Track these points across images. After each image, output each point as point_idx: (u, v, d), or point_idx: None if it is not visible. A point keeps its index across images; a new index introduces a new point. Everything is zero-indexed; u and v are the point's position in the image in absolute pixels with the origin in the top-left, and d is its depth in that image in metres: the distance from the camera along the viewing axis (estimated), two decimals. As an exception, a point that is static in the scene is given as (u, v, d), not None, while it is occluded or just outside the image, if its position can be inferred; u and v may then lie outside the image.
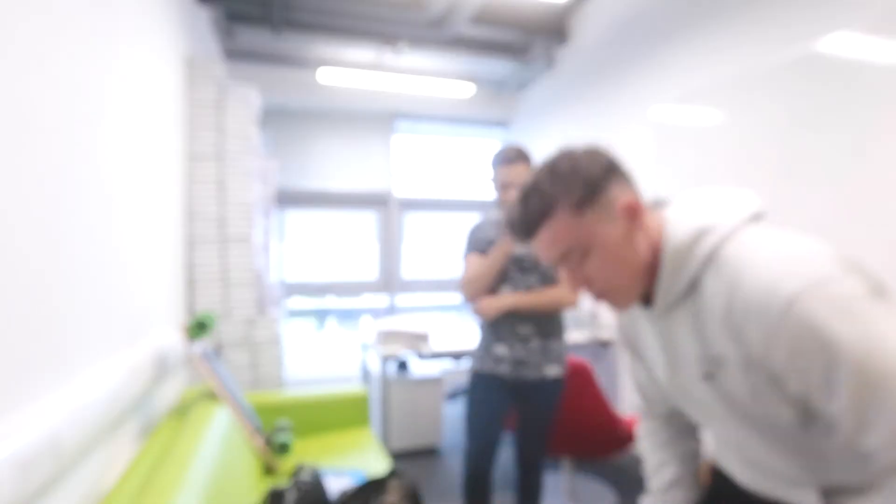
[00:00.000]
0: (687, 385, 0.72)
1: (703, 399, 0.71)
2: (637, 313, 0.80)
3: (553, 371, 1.70)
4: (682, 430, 0.91)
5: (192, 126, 2.19)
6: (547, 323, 1.71)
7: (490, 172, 1.73)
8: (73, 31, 1.04)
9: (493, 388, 1.73)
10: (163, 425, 1.46)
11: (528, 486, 1.83)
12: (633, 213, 0.68)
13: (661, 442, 0.91)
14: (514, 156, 1.68)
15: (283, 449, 1.82)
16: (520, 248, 1.69)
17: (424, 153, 4.55)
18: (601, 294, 0.71)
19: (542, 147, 3.95)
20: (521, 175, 1.66)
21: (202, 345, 1.71)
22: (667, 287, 0.68)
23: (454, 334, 3.03)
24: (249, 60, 3.71)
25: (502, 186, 1.69)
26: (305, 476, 1.49)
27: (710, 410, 0.71)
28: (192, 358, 1.62)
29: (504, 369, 1.70)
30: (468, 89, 4.15)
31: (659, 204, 0.75)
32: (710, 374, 0.67)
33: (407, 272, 4.34)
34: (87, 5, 1.11)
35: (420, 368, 3.02)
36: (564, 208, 0.67)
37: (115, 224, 1.25)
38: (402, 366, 2.99)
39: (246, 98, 2.32)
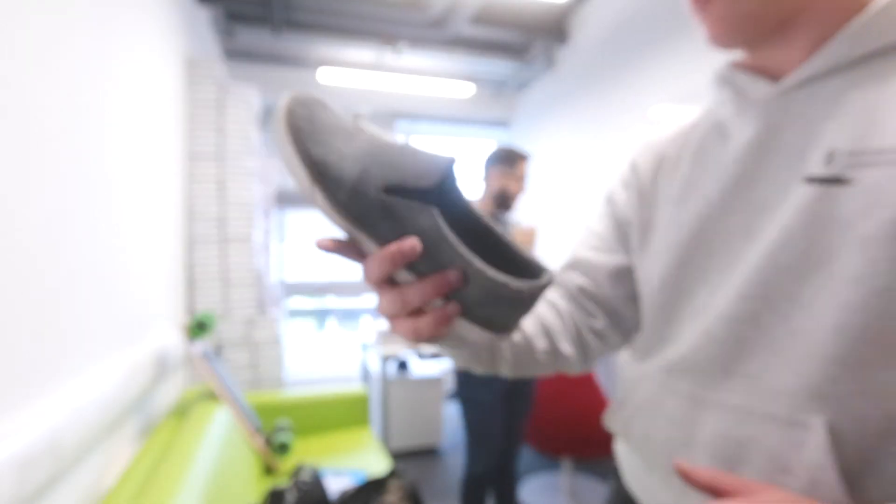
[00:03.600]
0: (768, 197, 0.46)
1: (791, 223, 0.42)
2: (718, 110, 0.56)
3: None
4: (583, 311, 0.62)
5: (193, 126, 2.19)
6: None
7: (485, 172, 1.78)
8: (74, 32, 1.04)
9: (497, 391, 1.74)
10: (163, 425, 1.46)
11: (505, 480, 1.85)
12: None
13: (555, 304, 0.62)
14: (515, 157, 1.74)
15: (283, 449, 1.82)
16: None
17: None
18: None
19: (543, 147, 3.95)
20: (522, 177, 1.72)
21: (202, 345, 1.71)
22: (858, 34, 0.42)
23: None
24: (249, 60, 3.71)
25: (499, 186, 1.73)
26: (305, 476, 1.49)
27: (796, 250, 0.42)
28: (192, 358, 1.62)
29: None
30: (468, 89, 4.15)
31: None
32: (839, 177, 0.40)
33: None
34: (87, 6, 1.11)
35: (420, 368, 3.01)
36: None
37: (116, 223, 1.25)
38: (402, 366, 2.98)
39: (246, 98, 2.32)
